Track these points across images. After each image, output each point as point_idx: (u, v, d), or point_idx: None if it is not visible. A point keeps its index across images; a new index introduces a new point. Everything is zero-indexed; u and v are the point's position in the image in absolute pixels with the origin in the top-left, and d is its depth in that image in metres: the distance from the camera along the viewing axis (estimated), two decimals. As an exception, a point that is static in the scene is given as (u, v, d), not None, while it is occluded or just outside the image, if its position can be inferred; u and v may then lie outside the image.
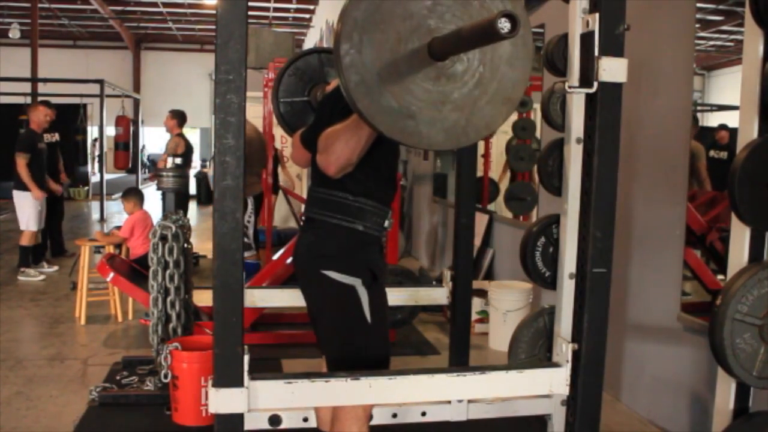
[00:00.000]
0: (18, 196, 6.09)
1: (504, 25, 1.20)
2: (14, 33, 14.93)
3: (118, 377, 3.47)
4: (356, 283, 1.90)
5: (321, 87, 2.85)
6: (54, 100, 7.79)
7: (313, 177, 2.11)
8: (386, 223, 1.99)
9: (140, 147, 14.85)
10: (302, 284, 2.06)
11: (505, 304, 4.10)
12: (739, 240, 1.94)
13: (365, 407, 1.93)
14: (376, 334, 1.94)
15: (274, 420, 1.98)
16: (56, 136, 7.32)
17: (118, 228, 5.22)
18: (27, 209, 6.07)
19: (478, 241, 5.13)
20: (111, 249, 4.93)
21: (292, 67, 2.94)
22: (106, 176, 11.57)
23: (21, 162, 5.98)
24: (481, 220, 5.18)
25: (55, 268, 6.36)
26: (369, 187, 1.91)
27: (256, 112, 6.82)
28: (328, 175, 1.83)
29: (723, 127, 3.13)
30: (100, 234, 5.26)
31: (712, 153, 3.07)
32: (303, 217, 2.08)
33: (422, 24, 1.47)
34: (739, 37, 2.02)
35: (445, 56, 1.48)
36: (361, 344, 1.92)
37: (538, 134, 4.82)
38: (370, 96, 1.45)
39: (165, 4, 15.24)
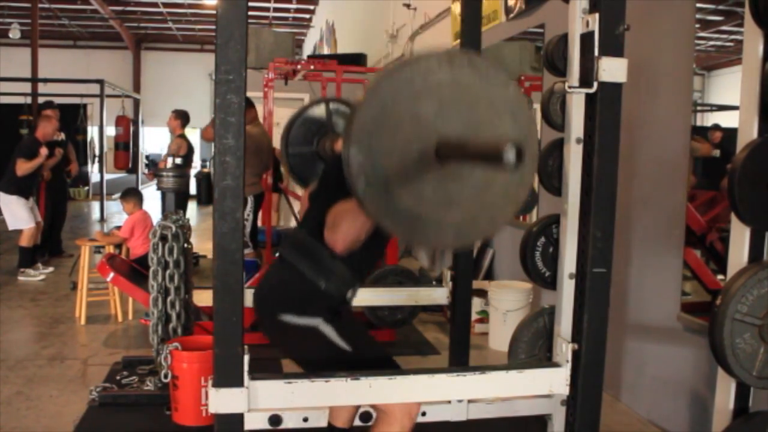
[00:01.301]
0: (5, 199, 6.07)
1: (510, 155, 1.21)
2: (14, 33, 14.93)
3: (118, 377, 3.47)
4: (317, 322, 1.90)
5: (329, 138, 2.89)
6: (54, 101, 7.80)
7: (302, 219, 2.14)
8: (349, 294, 2.00)
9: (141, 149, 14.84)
10: (263, 326, 2.04)
11: (505, 304, 4.10)
12: (739, 240, 1.94)
13: (411, 414, 1.90)
14: (363, 356, 1.93)
15: (274, 420, 1.98)
16: (62, 135, 7.36)
17: (118, 228, 5.21)
18: (17, 210, 6.06)
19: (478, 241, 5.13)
20: (111, 249, 4.93)
21: (301, 118, 2.98)
22: (107, 176, 11.58)
23: (21, 165, 5.97)
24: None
25: (51, 269, 6.35)
26: (349, 255, 1.87)
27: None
28: (335, 251, 1.82)
29: (716, 127, 3.14)
30: (100, 234, 5.26)
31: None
32: (278, 253, 2.09)
33: (430, 128, 1.47)
34: (739, 37, 2.02)
35: (451, 161, 1.49)
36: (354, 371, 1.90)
37: (538, 134, 4.81)
38: (379, 200, 1.47)
39: (165, 4, 15.25)
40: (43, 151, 6.11)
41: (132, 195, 5.24)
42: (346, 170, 1.45)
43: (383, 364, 1.94)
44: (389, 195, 1.46)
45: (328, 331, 1.89)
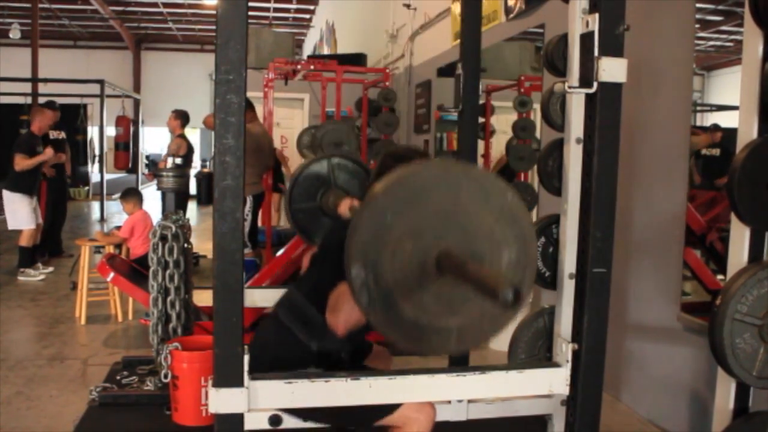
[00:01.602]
0: (8, 197, 6.07)
1: (507, 296, 1.20)
2: (14, 33, 14.94)
3: (118, 377, 3.47)
4: None
5: (332, 193, 2.98)
6: (55, 101, 7.81)
7: (301, 279, 2.16)
8: (342, 355, 2.03)
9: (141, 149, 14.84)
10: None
11: (505, 304, 4.09)
12: (739, 240, 1.94)
13: (429, 414, 1.93)
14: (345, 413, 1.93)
15: (274, 420, 1.98)
16: (62, 134, 7.38)
17: (118, 228, 5.22)
18: (19, 209, 6.05)
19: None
20: (111, 249, 4.93)
21: (303, 174, 3.08)
22: (107, 176, 11.58)
23: (19, 161, 5.97)
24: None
25: (51, 269, 6.35)
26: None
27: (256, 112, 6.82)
28: (337, 334, 1.84)
29: (715, 127, 3.15)
30: (100, 234, 5.26)
31: (704, 151, 3.08)
32: (273, 310, 2.13)
33: (430, 240, 1.47)
34: (738, 37, 2.02)
35: (450, 275, 1.49)
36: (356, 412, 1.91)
37: (538, 134, 4.82)
38: (381, 313, 1.48)
39: (165, 4, 15.26)
40: (49, 150, 6.11)
41: (132, 195, 5.24)
42: (349, 286, 1.46)
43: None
44: (392, 308, 1.48)
45: None
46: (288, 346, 1.99)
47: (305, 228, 3.09)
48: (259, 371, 1.86)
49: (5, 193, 6.10)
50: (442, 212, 1.48)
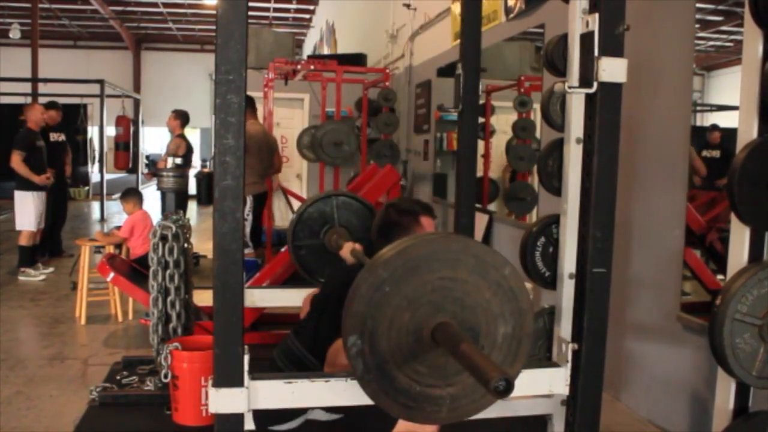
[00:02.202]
0: (20, 196, 6.08)
1: (499, 386, 1.24)
2: (14, 33, 14.94)
3: (118, 377, 3.47)
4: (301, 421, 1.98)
5: (335, 231, 3.05)
6: (57, 101, 7.82)
7: (299, 326, 2.16)
8: None
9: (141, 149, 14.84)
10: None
11: (505, 304, 4.09)
12: (739, 240, 1.94)
13: None
14: None
15: (274, 420, 1.98)
16: (62, 136, 7.38)
17: (118, 228, 5.22)
18: (28, 210, 6.06)
19: (478, 242, 5.12)
20: (111, 249, 4.93)
21: (307, 212, 3.13)
22: (107, 176, 11.58)
23: (16, 158, 5.95)
24: (481, 220, 5.18)
25: (51, 269, 6.35)
26: None
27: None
28: None
29: (715, 127, 3.15)
30: (100, 234, 5.26)
31: (704, 153, 3.08)
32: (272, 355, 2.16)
33: (427, 312, 1.49)
34: (738, 37, 2.02)
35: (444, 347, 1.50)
36: None
37: (538, 134, 4.82)
38: (376, 383, 1.50)
39: (165, 4, 15.26)
40: (46, 179, 6.11)
41: (132, 195, 5.25)
42: (345, 353, 1.48)
43: None
44: (387, 377, 1.50)
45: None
46: None
47: (308, 265, 3.19)
48: (255, 416, 1.87)
49: (16, 192, 6.11)
50: (440, 285, 1.50)
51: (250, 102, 5.70)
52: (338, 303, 1.59)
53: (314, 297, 2.21)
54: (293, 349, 2.03)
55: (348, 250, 2.71)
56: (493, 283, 1.53)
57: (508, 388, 1.24)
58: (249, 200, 5.42)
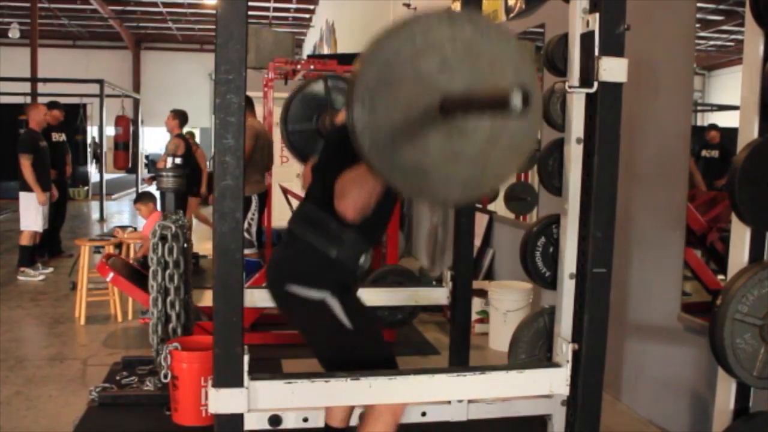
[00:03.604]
0: (24, 197, 6.08)
1: (517, 100, 1.21)
2: (14, 33, 14.93)
3: (118, 377, 3.47)
4: (324, 295, 1.90)
5: (329, 114, 2.90)
6: (52, 100, 7.82)
7: (307, 193, 2.13)
8: (362, 259, 2.00)
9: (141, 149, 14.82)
10: (272, 295, 2.05)
11: (505, 304, 4.10)
12: (740, 240, 1.94)
13: (396, 411, 1.92)
14: (363, 337, 1.94)
15: (274, 420, 1.98)
16: (63, 137, 7.38)
17: (122, 228, 5.28)
18: (32, 211, 6.06)
19: (478, 241, 5.12)
20: (111, 249, 4.93)
21: (300, 95, 2.98)
22: (106, 176, 11.58)
23: (26, 164, 5.93)
24: (481, 220, 5.18)
25: (51, 269, 6.35)
26: (359, 221, 1.86)
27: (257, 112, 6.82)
28: (347, 219, 1.82)
29: (713, 127, 3.14)
30: (120, 232, 5.32)
31: (703, 153, 3.08)
32: (287, 229, 2.10)
33: (432, 84, 1.47)
34: (739, 37, 2.02)
35: (455, 115, 1.49)
36: (351, 352, 1.91)
37: (538, 134, 4.81)
38: (385, 157, 1.47)
39: (165, 4, 15.25)
40: (45, 199, 6.11)
41: (147, 198, 5.34)
42: (350, 129, 1.44)
43: (379, 352, 1.95)
44: (395, 151, 1.46)
45: (334, 305, 1.90)
46: (306, 257, 1.95)
47: (301, 149, 3.00)
48: (279, 288, 1.84)
49: (21, 194, 6.11)
50: (445, 58, 1.47)
51: (249, 101, 5.69)
52: (339, 151, 1.55)
53: (314, 164, 2.18)
54: (306, 212, 2.00)
55: (344, 114, 2.61)
56: (497, 54, 1.52)
57: (526, 97, 1.20)
58: (255, 200, 5.41)
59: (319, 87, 2.98)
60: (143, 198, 5.29)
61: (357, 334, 1.91)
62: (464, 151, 1.52)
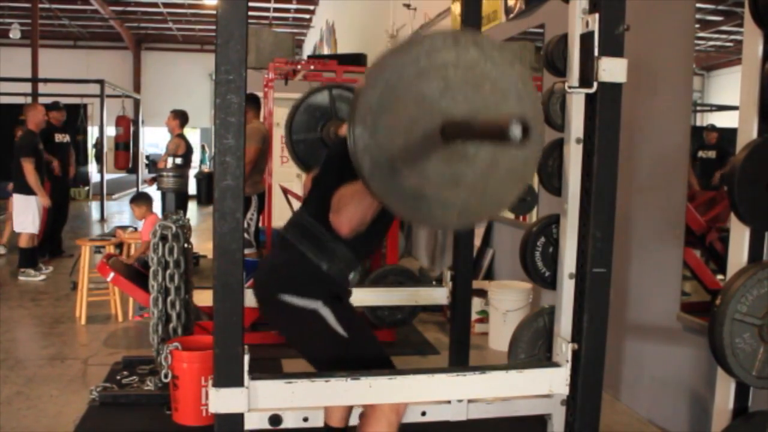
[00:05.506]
0: (20, 200, 6.07)
1: (516, 131, 1.21)
2: (14, 33, 14.92)
3: (118, 377, 3.47)
4: (316, 305, 1.91)
5: (333, 123, 2.91)
6: (53, 100, 7.82)
7: (305, 201, 2.14)
8: (351, 275, 2.01)
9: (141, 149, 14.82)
10: (259, 300, 2.07)
11: (505, 304, 4.10)
12: (739, 240, 1.94)
13: (399, 410, 1.92)
14: (358, 344, 1.94)
15: (274, 420, 1.98)
16: (66, 137, 7.39)
17: (123, 228, 5.28)
18: (28, 213, 6.05)
19: (478, 241, 5.13)
20: (111, 249, 4.94)
21: (304, 104, 3.00)
22: (107, 176, 11.58)
23: (29, 167, 5.90)
24: (481, 220, 5.18)
25: (51, 269, 6.35)
26: (352, 236, 1.86)
27: (256, 112, 6.82)
28: (341, 234, 1.82)
29: (711, 127, 3.14)
30: (121, 233, 5.32)
31: (700, 153, 3.08)
32: (281, 235, 2.10)
33: (434, 107, 1.47)
34: (738, 37, 2.02)
35: (456, 140, 1.49)
36: (348, 360, 1.90)
37: (538, 163, 4.79)
38: (385, 180, 1.47)
39: (165, 5, 15.25)
40: (46, 202, 6.11)
41: (143, 200, 5.30)
42: (351, 150, 1.44)
43: (376, 356, 1.95)
44: (395, 174, 1.46)
45: (327, 314, 1.90)
46: (299, 267, 1.96)
47: (305, 158, 3.04)
48: (270, 295, 1.83)
49: (16, 196, 6.10)
50: (448, 81, 1.47)
51: (255, 101, 5.69)
52: (340, 165, 1.54)
53: (315, 176, 2.19)
54: (301, 221, 2.01)
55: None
56: (500, 79, 1.52)
57: (526, 129, 1.21)
58: (254, 200, 5.42)
59: (323, 97, 3.01)
60: (137, 200, 5.27)
61: (352, 342, 1.92)
62: (464, 177, 1.52)
